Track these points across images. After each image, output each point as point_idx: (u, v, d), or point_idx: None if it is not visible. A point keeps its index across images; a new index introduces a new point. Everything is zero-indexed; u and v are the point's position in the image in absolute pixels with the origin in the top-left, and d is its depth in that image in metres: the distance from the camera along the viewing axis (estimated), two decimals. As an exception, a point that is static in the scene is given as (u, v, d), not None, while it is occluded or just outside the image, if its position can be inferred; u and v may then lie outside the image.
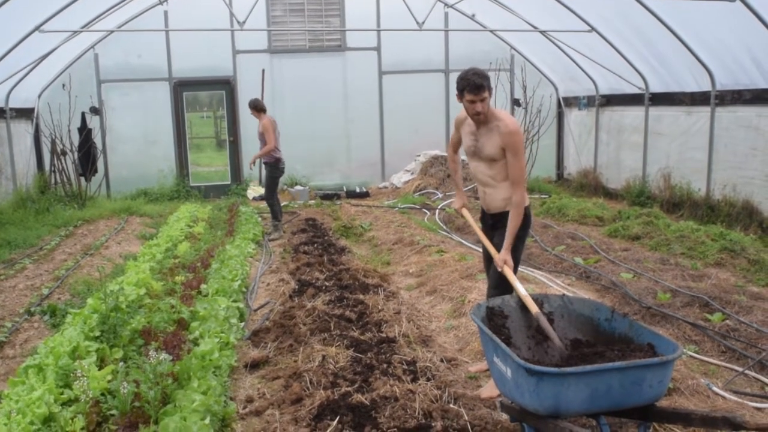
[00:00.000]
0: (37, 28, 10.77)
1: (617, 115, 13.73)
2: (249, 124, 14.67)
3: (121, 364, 4.78)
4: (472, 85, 4.40)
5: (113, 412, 4.24)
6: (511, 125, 4.49)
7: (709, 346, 5.46)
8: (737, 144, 10.34)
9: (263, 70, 14.42)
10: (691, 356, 5.25)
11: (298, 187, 14.64)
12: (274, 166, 10.73)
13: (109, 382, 4.54)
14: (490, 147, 4.58)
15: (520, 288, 4.13)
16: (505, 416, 3.96)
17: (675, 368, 4.36)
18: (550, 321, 4.06)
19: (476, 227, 5.02)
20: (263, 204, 12.55)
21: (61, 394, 4.37)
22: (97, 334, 5.37)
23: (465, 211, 5.27)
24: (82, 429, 3.89)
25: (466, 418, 4.04)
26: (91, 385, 4.36)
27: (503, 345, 3.39)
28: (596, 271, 7.61)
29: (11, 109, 12.54)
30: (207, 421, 3.84)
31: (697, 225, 9.58)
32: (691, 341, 5.56)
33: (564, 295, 4.20)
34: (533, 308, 3.97)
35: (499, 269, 4.49)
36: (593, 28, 12.13)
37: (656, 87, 12.31)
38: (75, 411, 4.13)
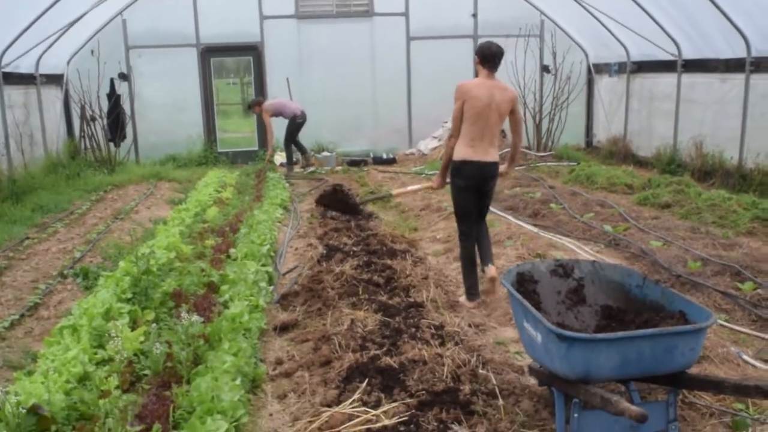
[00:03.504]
0: (66, -7, 10.80)
1: (649, 82, 13.49)
2: (276, 90, 14.69)
3: (153, 325, 4.86)
4: None
5: (146, 372, 4.33)
6: None
7: (740, 315, 5.41)
8: (773, 112, 10.14)
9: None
10: (721, 325, 5.21)
11: (325, 153, 14.63)
12: (291, 122, 13.32)
13: (141, 342, 4.63)
14: None
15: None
16: (533, 381, 3.97)
17: (705, 336, 4.33)
18: (581, 287, 4.05)
19: None
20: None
21: (96, 354, 4.46)
22: (129, 296, 5.47)
23: None
24: (117, 388, 3.97)
25: (494, 382, 4.05)
26: (125, 345, 4.44)
27: (534, 310, 3.39)
28: (625, 238, 7.54)
29: (41, 75, 12.63)
30: (238, 381, 3.90)
31: (729, 194, 9.43)
32: (721, 310, 5.51)
33: (595, 261, 4.18)
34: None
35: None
36: (626, -8, 11.90)
37: (689, 53, 12.06)
38: (109, 370, 4.23)
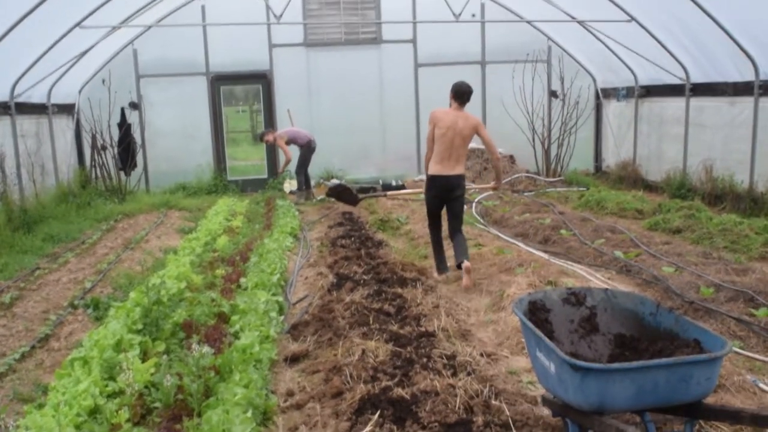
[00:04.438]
0: (77, 25, 10.94)
1: (657, 107, 13.51)
2: (285, 119, 14.78)
3: (164, 356, 4.84)
4: None
5: (157, 404, 4.30)
6: None
7: (755, 342, 5.34)
8: (782, 135, 10.11)
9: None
10: (736, 352, 5.15)
11: (334, 181, 14.65)
12: (306, 149, 13.63)
13: (152, 374, 4.60)
14: None
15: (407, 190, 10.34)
16: (547, 411, 3.92)
17: (721, 365, 4.28)
18: (593, 315, 4.01)
19: None
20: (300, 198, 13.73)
21: (106, 386, 4.43)
22: (140, 327, 5.45)
23: None
24: (127, 421, 3.94)
25: (508, 413, 4.01)
26: (136, 377, 4.42)
27: (546, 339, 3.36)
28: (637, 264, 7.50)
29: (53, 104, 12.76)
30: (249, 414, 3.87)
31: (740, 218, 9.39)
32: (735, 337, 5.45)
33: (607, 288, 4.15)
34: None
35: None
36: (633, 18, 11.93)
37: (697, 77, 12.08)
38: (120, 403, 4.19)
